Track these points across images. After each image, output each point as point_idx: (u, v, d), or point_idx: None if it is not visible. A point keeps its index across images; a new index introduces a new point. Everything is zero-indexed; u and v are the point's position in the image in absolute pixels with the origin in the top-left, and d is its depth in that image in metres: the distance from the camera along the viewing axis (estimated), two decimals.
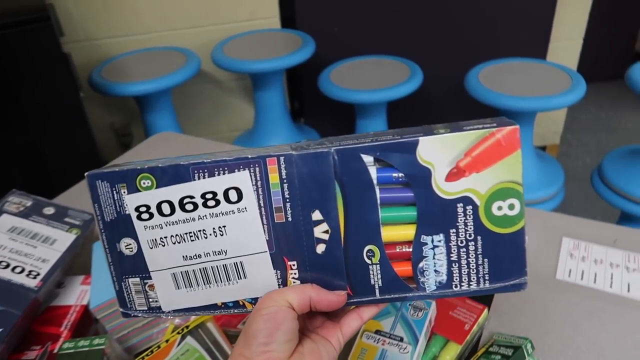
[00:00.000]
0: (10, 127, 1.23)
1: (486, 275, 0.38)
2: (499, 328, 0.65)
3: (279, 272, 0.39)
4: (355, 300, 0.40)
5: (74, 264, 0.70)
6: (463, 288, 0.39)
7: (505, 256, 0.38)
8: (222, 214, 0.38)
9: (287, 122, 1.84)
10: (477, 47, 2.04)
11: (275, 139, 1.82)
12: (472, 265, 0.38)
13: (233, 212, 0.38)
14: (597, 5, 2.11)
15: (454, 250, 0.38)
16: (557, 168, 1.64)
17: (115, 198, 0.39)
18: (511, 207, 0.37)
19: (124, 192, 0.39)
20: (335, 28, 1.97)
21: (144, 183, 0.39)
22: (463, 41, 2.03)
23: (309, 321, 0.41)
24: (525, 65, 1.66)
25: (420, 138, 0.36)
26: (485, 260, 0.38)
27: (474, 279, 0.38)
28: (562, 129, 2.27)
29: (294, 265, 0.39)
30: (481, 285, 0.38)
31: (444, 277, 0.39)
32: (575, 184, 2.14)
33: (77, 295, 0.66)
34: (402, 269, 0.39)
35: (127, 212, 0.39)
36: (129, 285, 0.41)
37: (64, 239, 0.67)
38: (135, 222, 0.39)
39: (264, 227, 0.39)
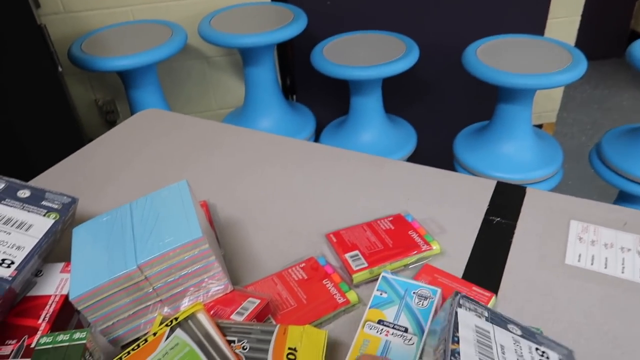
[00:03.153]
0: None
1: None
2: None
3: None
4: None
5: (53, 250, 0.65)
6: None
7: None
8: None
9: (278, 100, 1.78)
10: (474, 23, 1.98)
11: (266, 116, 1.76)
12: None
13: None
14: None
15: None
16: (555, 147, 1.61)
17: None
18: None
19: None
20: (328, 1, 1.90)
21: None
22: (460, 16, 1.97)
23: None
24: (525, 42, 1.60)
25: None
26: None
27: None
28: (559, 107, 2.24)
29: None
30: None
31: None
32: (571, 162, 2.12)
33: (57, 284, 0.61)
34: None
35: None
36: None
37: (41, 224, 0.62)
38: None
39: None
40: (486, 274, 0.67)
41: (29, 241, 0.59)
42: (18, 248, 0.58)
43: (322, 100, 1.95)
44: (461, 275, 0.68)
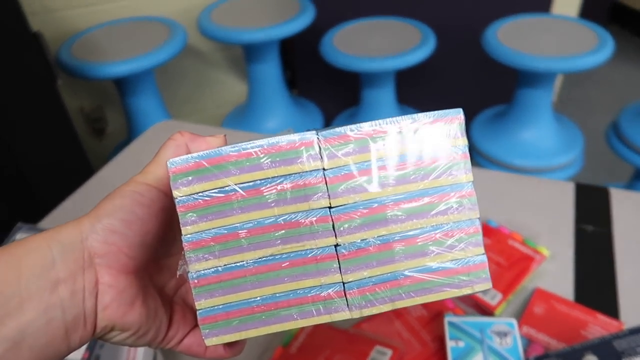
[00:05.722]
0: None
1: None
2: None
3: None
4: None
5: None
6: None
7: None
8: None
9: (284, 97, 1.67)
10: (490, 4, 1.89)
11: (272, 115, 1.66)
12: None
13: None
14: None
15: None
16: (575, 131, 1.57)
17: None
18: None
19: None
20: None
21: None
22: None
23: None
24: (546, 22, 1.54)
25: None
26: None
27: None
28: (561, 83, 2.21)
29: None
30: None
31: None
32: None
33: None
34: None
35: None
36: None
37: None
38: None
39: None
40: (599, 294, 0.61)
41: None
42: None
43: (325, 93, 1.86)
44: (573, 297, 0.61)
